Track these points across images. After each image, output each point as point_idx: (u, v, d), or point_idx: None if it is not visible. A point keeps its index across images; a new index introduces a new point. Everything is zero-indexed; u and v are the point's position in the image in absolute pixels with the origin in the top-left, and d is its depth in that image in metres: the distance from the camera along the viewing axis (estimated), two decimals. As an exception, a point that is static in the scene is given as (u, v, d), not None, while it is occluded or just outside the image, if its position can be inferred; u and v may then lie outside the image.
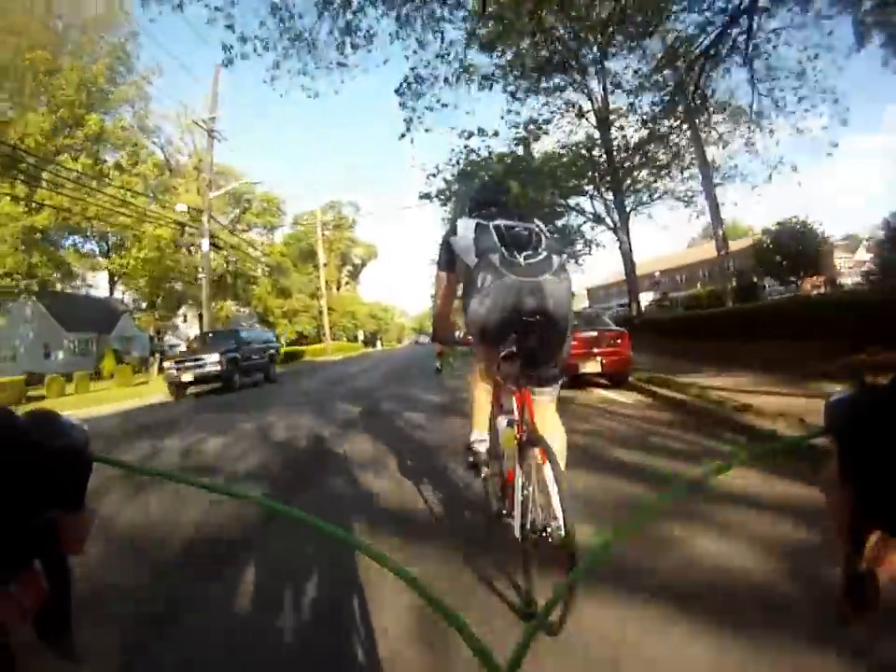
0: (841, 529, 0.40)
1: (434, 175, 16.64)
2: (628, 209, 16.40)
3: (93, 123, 23.83)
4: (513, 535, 1.84)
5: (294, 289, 49.44)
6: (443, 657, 1.59)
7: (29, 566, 0.38)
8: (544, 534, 1.69)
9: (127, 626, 1.98)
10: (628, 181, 16.34)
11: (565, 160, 15.55)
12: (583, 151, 15.73)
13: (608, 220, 17.11)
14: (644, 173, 16.56)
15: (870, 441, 0.37)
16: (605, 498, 2.89)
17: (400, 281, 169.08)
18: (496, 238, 1.83)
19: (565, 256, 2.18)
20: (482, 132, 15.83)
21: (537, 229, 1.93)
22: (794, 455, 2.68)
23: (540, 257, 1.81)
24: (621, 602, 1.82)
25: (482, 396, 2.17)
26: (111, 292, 41.59)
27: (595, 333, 7.45)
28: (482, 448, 2.15)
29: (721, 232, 14.93)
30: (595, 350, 7.36)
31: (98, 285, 42.26)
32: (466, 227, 1.95)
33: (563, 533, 1.59)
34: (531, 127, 15.91)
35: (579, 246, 18.57)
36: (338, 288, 68.60)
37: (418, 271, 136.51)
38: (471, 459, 2.19)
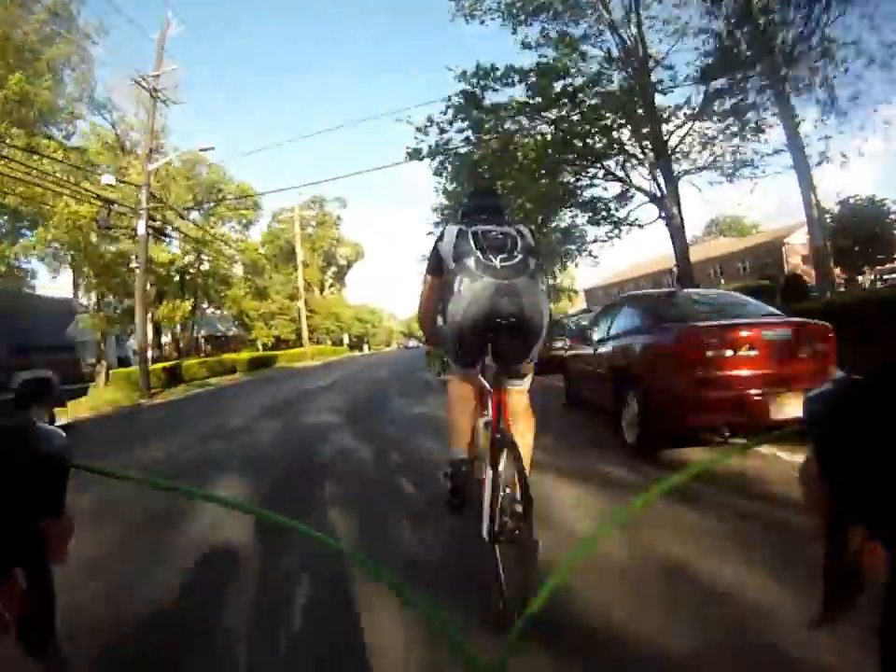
0: (820, 525, 0.39)
1: (427, 127, 12.90)
2: (676, 174, 12.83)
3: (15, 83, 19.68)
4: (482, 536, 1.89)
5: (272, 291, 45.49)
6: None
7: (9, 574, 0.37)
8: (515, 534, 1.74)
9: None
10: (676, 141, 12.78)
11: (592, 102, 11.89)
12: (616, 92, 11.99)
13: (642, 191, 13.57)
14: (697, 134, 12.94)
15: (846, 435, 0.37)
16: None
17: (389, 283, 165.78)
18: (472, 243, 1.93)
19: (541, 259, 1.97)
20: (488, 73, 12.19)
21: (514, 233, 2.01)
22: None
23: (516, 260, 1.90)
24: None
25: (460, 408, 2.14)
26: (74, 292, 37.46)
27: (786, 332, 3.71)
28: (462, 466, 2.07)
29: (815, 215, 11.53)
30: (794, 368, 3.57)
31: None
32: (450, 233, 2.06)
33: (529, 534, 1.70)
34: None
35: (604, 229, 14.78)
36: (322, 291, 64.78)
37: (407, 272, 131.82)
38: (450, 484, 2.11)
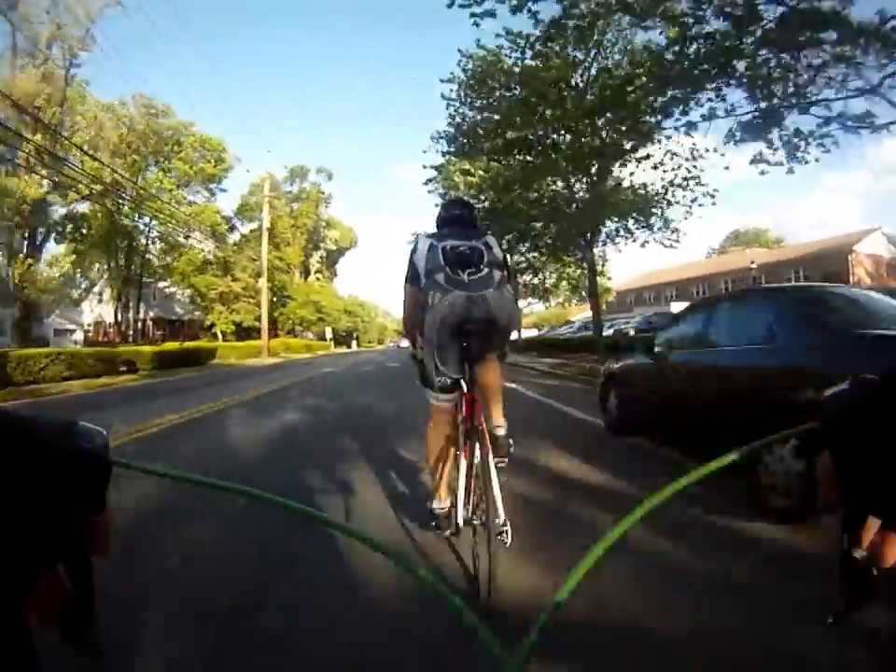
0: (837, 519, 0.41)
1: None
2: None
3: None
4: (455, 522, 2.07)
5: (238, 267, 37.61)
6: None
7: (52, 568, 0.39)
8: (485, 518, 1.84)
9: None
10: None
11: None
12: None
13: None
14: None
15: (861, 433, 0.38)
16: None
17: (386, 279, 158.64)
18: (441, 258, 2.03)
19: (506, 272, 2.14)
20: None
21: (482, 246, 2.10)
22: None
23: (482, 273, 2.02)
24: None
25: (438, 443, 2.22)
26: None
27: None
28: (441, 511, 2.22)
29: None
30: None
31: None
32: (423, 245, 2.17)
33: (500, 522, 1.88)
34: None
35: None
36: (306, 276, 56.93)
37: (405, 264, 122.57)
38: (433, 523, 2.26)
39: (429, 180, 21.94)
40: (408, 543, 2.45)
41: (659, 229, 16.41)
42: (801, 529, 2.54)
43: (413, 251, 2.23)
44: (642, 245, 16.84)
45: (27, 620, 0.38)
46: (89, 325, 39.44)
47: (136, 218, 31.55)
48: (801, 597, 1.78)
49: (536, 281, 29.20)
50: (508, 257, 2.29)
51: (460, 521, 2.06)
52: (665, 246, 16.47)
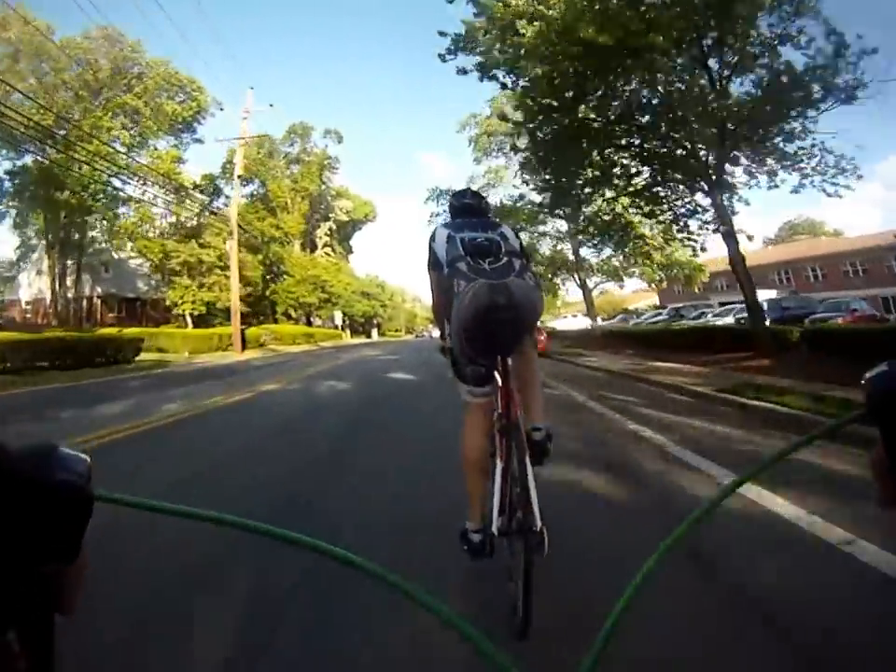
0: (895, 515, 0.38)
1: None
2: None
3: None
4: (491, 532, 1.80)
5: (208, 233, 28.25)
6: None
7: (2, 634, 0.30)
8: (529, 528, 1.65)
9: None
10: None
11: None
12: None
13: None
14: None
15: None
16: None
17: (412, 261, 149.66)
18: (461, 249, 2.01)
19: (525, 259, 2.07)
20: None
21: (498, 237, 2.08)
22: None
23: (502, 262, 1.97)
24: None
25: (475, 465, 1.96)
26: None
27: None
28: (475, 539, 1.93)
29: None
30: None
31: None
32: (440, 235, 2.14)
33: (537, 527, 1.63)
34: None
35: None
36: (312, 249, 47.74)
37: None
38: (466, 548, 1.97)
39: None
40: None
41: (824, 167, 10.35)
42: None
43: (432, 239, 2.21)
44: (795, 191, 10.77)
45: None
46: (28, 302, 30.94)
47: (79, 168, 22.62)
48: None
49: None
50: (523, 244, 2.22)
51: (494, 531, 1.79)
52: (829, 195, 10.46)
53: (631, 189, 12.54)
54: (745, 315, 11.98)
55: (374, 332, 65.16)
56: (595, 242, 18.18)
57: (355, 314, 56.19)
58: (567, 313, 44.17)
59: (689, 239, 12.68)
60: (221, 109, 26.69)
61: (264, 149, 39.91)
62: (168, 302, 28.09)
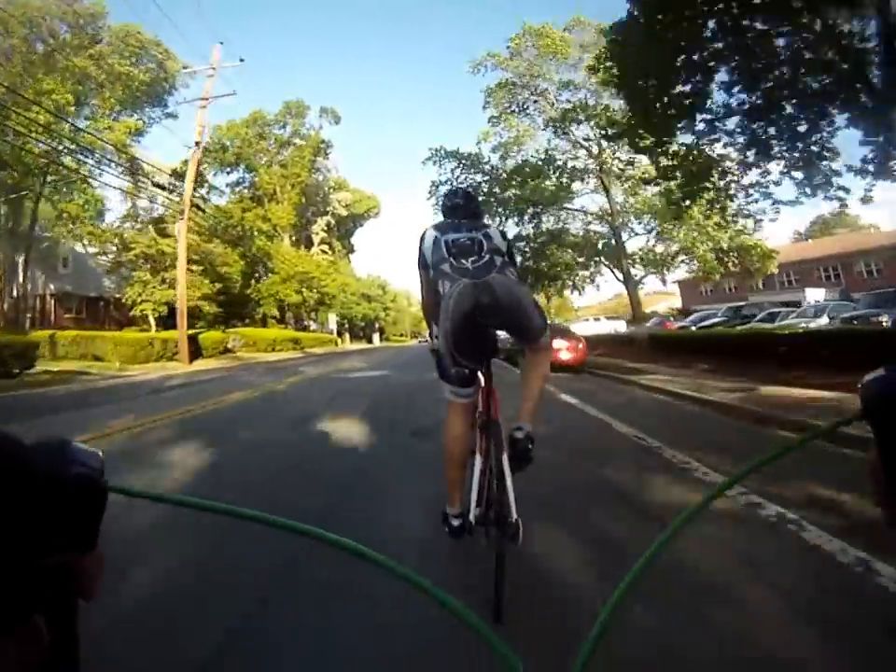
0: (889, 517, 0.38)
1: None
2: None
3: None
4: (468, 521, 1.88)
5: (169, 218, 24.11)
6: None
7: (31, 618, 0.32)
8: (502, 517, 1.72)
9: None
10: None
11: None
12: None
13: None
14: None
15: None
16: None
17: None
18: (444, 251, 2.08)
19: (506, 257, 2.12)
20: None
21: (481, 236, 2.11)
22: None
23: (484, 260, 2.03)
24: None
25: (454, 458, 2.09)
26: None
27: None
28: (455, 524, 2.08)
29: None
30: None
31: None
32: (428, 237, 2.20)
33: (512, 519, 1.68)
34: None
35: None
36: (308, 247, 43.76)
37: None
38: (447, 529, 2.12)
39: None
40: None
41: None
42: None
43: (421, 241, 2.27)
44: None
45: None
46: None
47: (13, 139, 18.77)
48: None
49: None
50: (510, 243, 2.24)
51: (472, 520, 1.87)
52: None
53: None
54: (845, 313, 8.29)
55: (376, 337, 61.11)
56: (652, 214, 13.77)
57: (354, 317, 52.12)
58: (583, 316, 39.78)
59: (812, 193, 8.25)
60: (193, 75, 22.41)
61: (252, 130, 35.94)
62: (126, 301, 24.06)
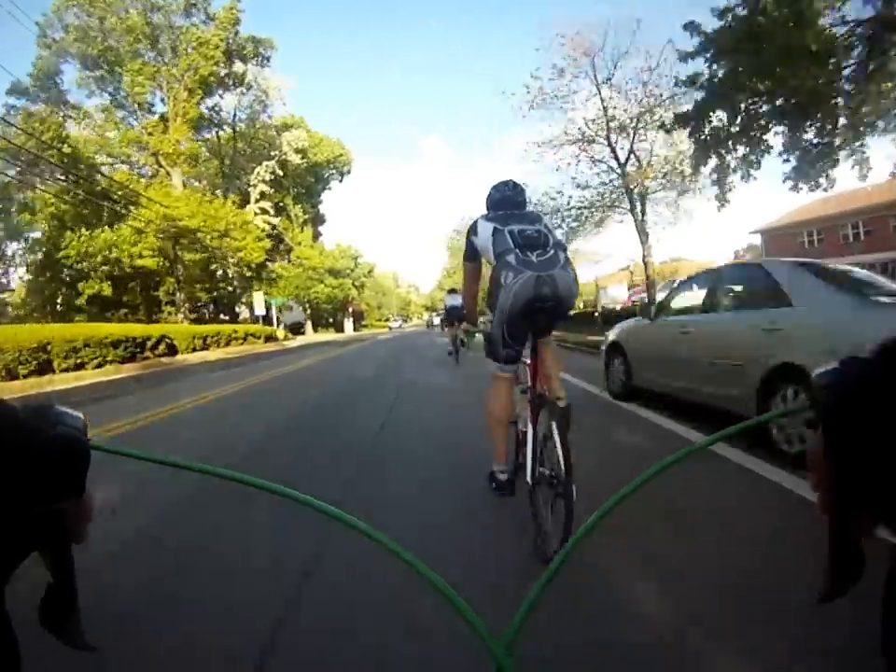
0: (826, 506, 0.39)
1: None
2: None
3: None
4: (525, 480, 2.16)
5: None
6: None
7: (30, 557, 0.39)
8: (553, 481, 1.94)
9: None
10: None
11: None
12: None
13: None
14: None
15: (854, 416, 0.36)
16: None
17: (413, 251, 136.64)
18: (510, 242, 2.16)
19: (568, 251, 2.31)
20: None
21: (545, 230, 2.24)
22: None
23: (549, 254, 2.14)
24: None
25: (500, 409, 2.37)
26: None
27: None
28: (503, 478, 2.41)
29: None
30: None
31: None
32: (484, 229, 2.29)
33: (563, 481, 1.85)
34: None
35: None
36: (243, 205, 30.84)
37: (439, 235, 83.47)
38: (494, 485, 2.44)
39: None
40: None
41: None
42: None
43: (473, 232, 2.35)
44: None
45: (4, 608, 0.38)
46: None
47: None
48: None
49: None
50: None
51: (528, 481, 2.14)
52: None
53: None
54: None
55: (349, 324, 48.43)
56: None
57: (315, 299, 39.61)
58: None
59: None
60: None
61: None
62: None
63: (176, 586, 1.85)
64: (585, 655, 1.40)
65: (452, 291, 10.18)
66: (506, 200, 2.43)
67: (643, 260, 15.40)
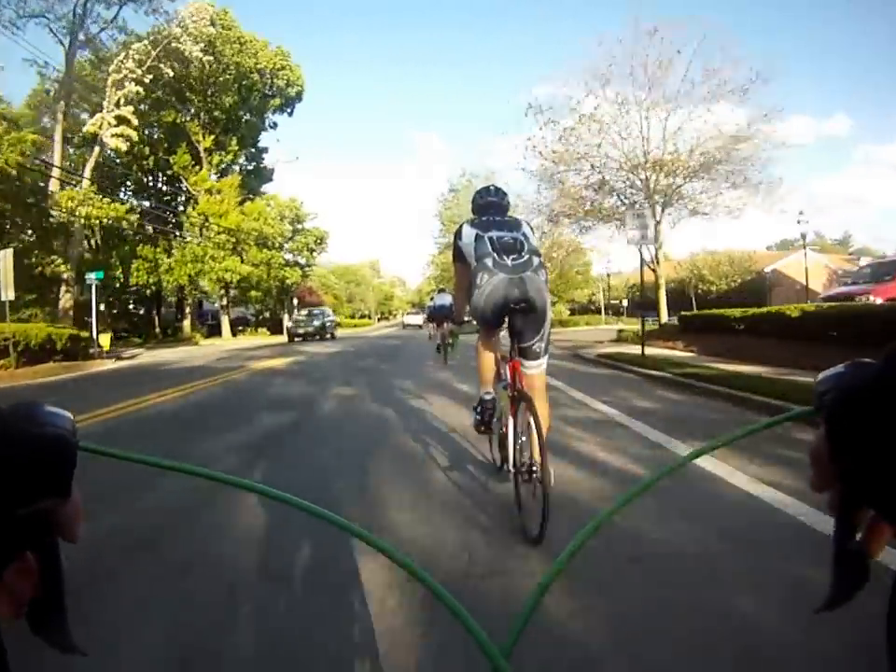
0: (830, 508, 0.40)
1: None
2: None
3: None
4: (507, 470, 2.48)
5: None
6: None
7: (20, 557, 0.38)
8: (532, 471, 2.21)
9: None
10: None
11: None
12: None
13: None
14: None
15: (858, 419, 0.36)
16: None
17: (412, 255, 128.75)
18: (489, 247, 2.41)
19: (542, 257, 2.55)
20: None
21: (521, 237, 2.48)
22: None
23: (523, 259, 2.39)
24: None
25: (486, 361, 2.68)
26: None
27: None
28: (488, 397, 2.67)
29: None
30: None
31: None
32: (468, 235, 2.55)
33: (540, 472, 2.12)
34: None
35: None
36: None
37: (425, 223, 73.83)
38: (478, 417, 2.71)
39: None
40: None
41: None
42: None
43: (458, 237, 2.60)
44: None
45: None
46: None
47: None
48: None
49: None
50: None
51: (510, 468, 2.41)
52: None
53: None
54: None
55: (290, 323, 34.36)
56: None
57: (229, 280, 25.92)
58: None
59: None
60: None
61: None
62: None
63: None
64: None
65: (441, 291, 11.73)
66: (489, 205, 2.77)
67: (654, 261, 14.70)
